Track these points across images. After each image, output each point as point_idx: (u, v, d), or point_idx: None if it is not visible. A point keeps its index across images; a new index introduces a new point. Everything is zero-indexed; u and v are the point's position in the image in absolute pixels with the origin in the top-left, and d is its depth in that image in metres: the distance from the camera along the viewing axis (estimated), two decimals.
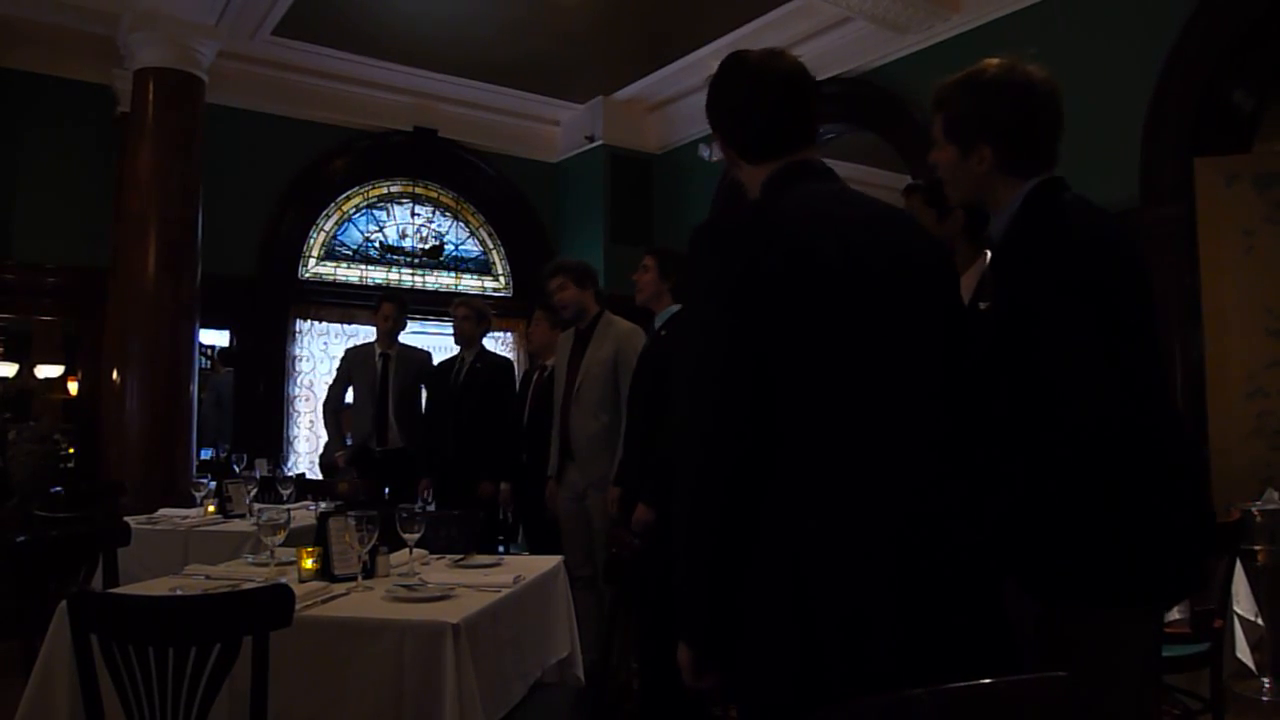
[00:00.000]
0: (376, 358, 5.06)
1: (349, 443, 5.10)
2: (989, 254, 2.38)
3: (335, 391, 5.17)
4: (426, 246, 7.24)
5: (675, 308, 3.61)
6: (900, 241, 1.40)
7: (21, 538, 2.35)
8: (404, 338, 5.26)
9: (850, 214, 1.38)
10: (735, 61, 1.51)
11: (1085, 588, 1.45)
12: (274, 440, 6.26)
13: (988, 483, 1.39)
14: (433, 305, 6.87)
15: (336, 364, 5.35)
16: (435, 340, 6.87)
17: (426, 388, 5.05)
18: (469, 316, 4.79)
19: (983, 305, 2.08)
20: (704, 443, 1.30)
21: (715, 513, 1.29)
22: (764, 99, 1.45)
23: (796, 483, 1.29)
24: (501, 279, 7.57)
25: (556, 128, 7.46)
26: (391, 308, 5.10)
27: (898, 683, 1.06)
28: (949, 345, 1.39)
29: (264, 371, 6.34)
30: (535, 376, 4.62)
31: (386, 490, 4.76)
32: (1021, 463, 1.47)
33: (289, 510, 2.56)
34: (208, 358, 6.25)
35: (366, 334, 6.55)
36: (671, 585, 1.34)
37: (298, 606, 1.76)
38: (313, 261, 6.73)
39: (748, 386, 1.29)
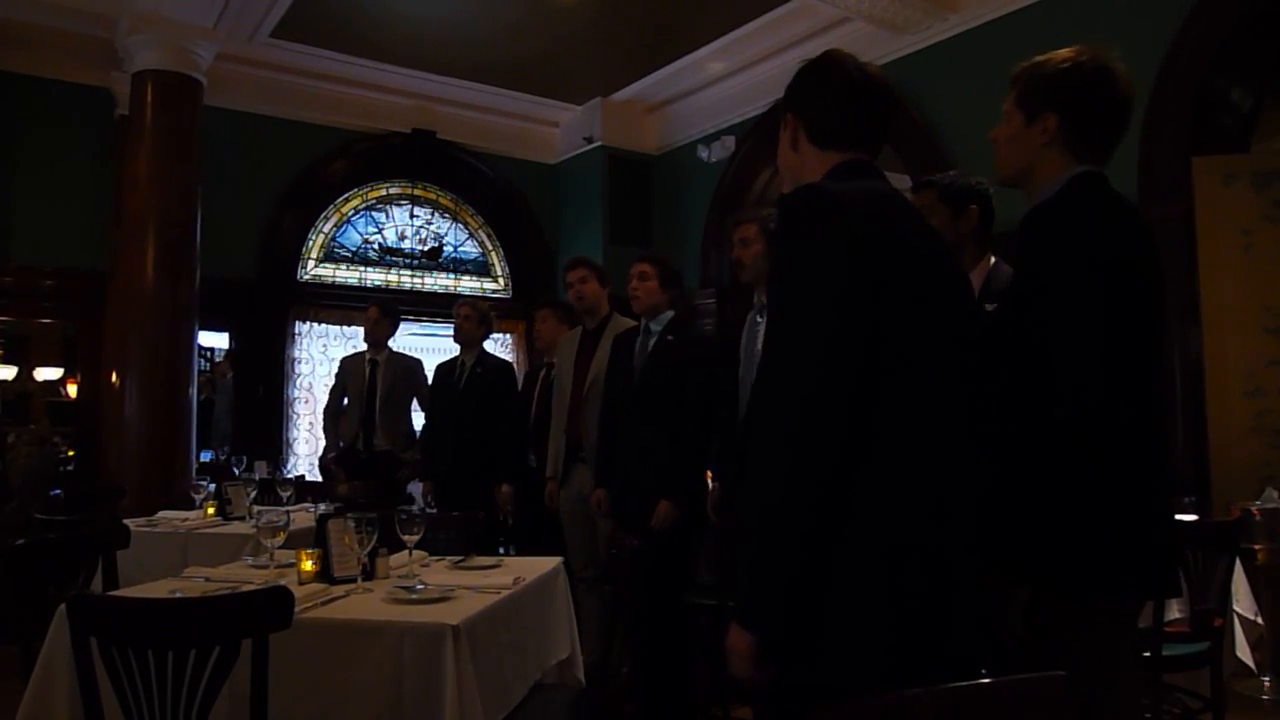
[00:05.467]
0: (365, 363, 5.13)
1: (341, 445, 5.14)
2: (993, 259, 2.40)
3: (334, 399, 5.25)
4: (425, 248, 7.24)
5: (671, 313, 3.67)
6: (936, 243, 1.49)
7: (21, 540, 2.34)
8: (402, 338, 5.29)
9: (901, 212, 1.45)
10: (830, 55, 1.58)
11: (1069, 578, 1.48)
12: (273, 442, 6.26)
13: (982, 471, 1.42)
14: (432, 307, 6.88)
15: (336, 366, 5.41)
16: (434, 342, 6.88)
17: (428, 392, 5.07)
18: (471, 317, 4.80)
19: (989, 307, 2.09)
20: (806, 417, 1.26)
21: (811, 492, 1.26)
22: (853, 92, 1.53)
23: (891, 465, 1.29)
24: (500, 280, 7.57)
25: (555, 129, 7.47)
26: (375, 311, 5.16)
27: (963, 670, 1.09)
28: (969, 344, 1.46)
29: (263, 374, 6.34)
30: (541, 375, 4.61)
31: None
32: (1013, 448, 1.51)
33: (288, 512, 2.56)
34: (207, 360, 6.26)
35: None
36: (739, 569, 1.31)
37: (297, 608, 1.76)
38: (311, 263, 6.73)
39: (854, 358, 1.28)
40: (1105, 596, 1.53)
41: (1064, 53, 1.67)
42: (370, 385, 5.07)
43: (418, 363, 5.32)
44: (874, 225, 1.35)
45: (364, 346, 5.27)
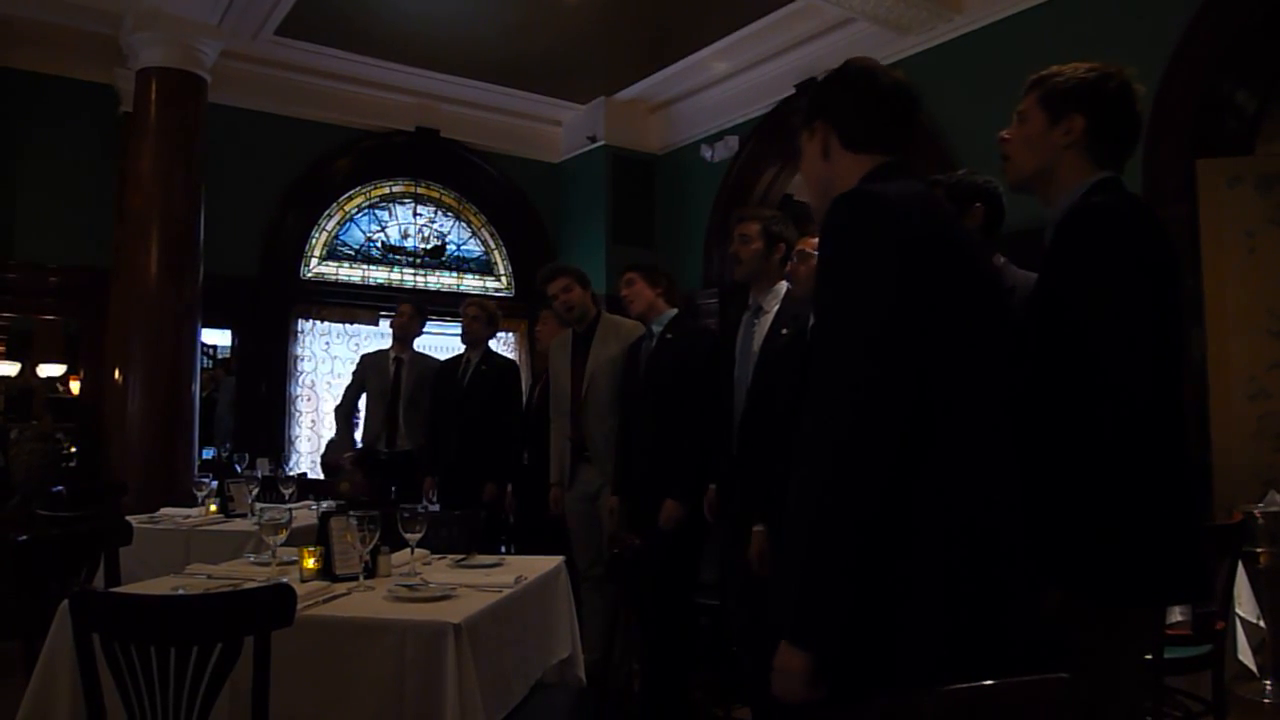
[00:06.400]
0: (390, 362, 5.14)
1: (359, 445, 5.14)
2: (1002, 259, 2.39)
3: (349, 396, 5.25)
4: (428, 247, 7.24)
5: (673, 312, 3.70)
6: (974, 244, 1.53)
7: (23, 537, 2.35)
8: None
9: (942, 213, 1.47)
10: (854, 60, 1.62)
11: (1109, 584, 1.47)
12: (276, 440, 6.25)
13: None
14: (434, 305, 6.88)
15: (339, 364, 5.41)
16: (437, 340, 6.88)
17: (432, 388, 5.08)
18: (479, 317, 4.82)
19: None
20: (859, 419, 1.23)
21: (867, 498, 1.22)
22: (883, 93, 1.56)
23: (945, 467, 1.27)
24: (503, 279, 7.57)
25: (558, 128, 7.46)
26: (410, 308, 5.23)
27: (1019, 668, 1.11)
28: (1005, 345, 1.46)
29: (266, 371, 6.34)
30: (544, 376, 4.62)
31: (393, 490, 4.78)
32: (1046, 451, 1.50)
33: (290, 510, 2.56)
34: (209, 357, 6.27)
35: (368, 334, 6.60)
36: (787, 584, 1.27)
37: (299, 606, 1.76)
38: (315, 261, 6.73)
39: (906, 359, 1.26)
40: (1144, 602, 1.52)
41: (1087, 64, 1.69)
42: (395, 384, 5.08)
43: (440, 363, 5.34)
44: (922, 227, 1.35)
45: (376, 344, 5.27)
